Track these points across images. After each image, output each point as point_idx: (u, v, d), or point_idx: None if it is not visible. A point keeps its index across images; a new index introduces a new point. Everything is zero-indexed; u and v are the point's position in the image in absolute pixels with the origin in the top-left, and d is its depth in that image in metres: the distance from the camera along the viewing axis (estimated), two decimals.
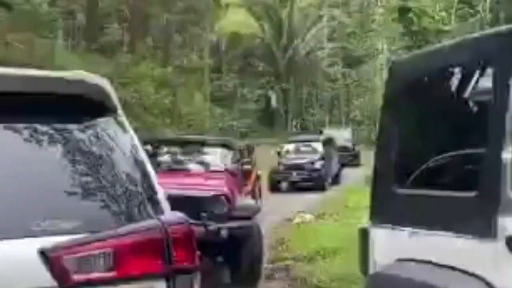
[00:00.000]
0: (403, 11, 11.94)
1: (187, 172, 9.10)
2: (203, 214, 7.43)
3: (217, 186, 8.24)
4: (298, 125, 43.10)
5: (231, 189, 8.31)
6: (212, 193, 7.86)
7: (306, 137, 26.30)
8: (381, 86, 40.19)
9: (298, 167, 21.64)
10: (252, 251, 7.74)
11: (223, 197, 7.82)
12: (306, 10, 43.55)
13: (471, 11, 28.89)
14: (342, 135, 30.66)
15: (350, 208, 14.92)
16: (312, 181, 21.24)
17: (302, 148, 23.57)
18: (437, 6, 13.91)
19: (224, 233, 7.35)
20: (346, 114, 47.37)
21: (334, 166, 23.49)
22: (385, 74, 38.01)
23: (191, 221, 7.24)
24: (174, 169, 9.07)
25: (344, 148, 28.67)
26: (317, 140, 24.00)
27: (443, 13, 13.52)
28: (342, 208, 15.16)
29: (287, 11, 41.57)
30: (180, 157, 9.67)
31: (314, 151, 22.89)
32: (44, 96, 2.46)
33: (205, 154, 9.66)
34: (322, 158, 22.26)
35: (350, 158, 28.91)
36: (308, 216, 14.30)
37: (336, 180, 23.15)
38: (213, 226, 7.35)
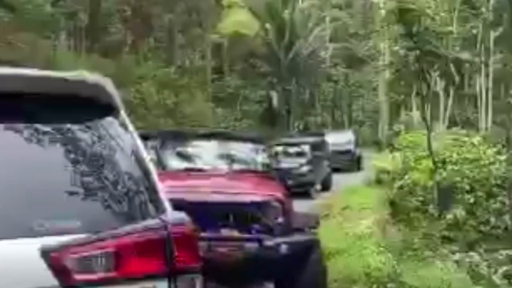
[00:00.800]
0: (403, 12, 11.97)
1: (218, 172, 7.30)
2: (255, 226, 5.97)
3: (266, 188, 6.55)
4: (300, 126, 43.01)
5: (283, 193, 6.54)
6: (262, 197, 6.15)
7: (295, 140, 24.45)
8: (383, 87, 40.22)
9: (282, 172, 19.77)
10: (316, 271, 6.17)
11: (277, 203, 6.11)
12: (308, 11, 43.50)
13: (474, 11, 28.88)
14: (343, 137, 29.39)
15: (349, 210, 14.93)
16: (296, 188, 18.81)
17: (289, 151, 21.42)
18: (438, 7, 13.89)
19: (283, 249, 5.83)
20: (348, 115, 47.36)
21: (324, 171, 21.93)
22: (387, 75, 38.08)
23: (241, 235, 5.86)
24: (202, 169, 7.31)
25: (345, 152, 27.63)
26: (306, 143, 22.16)
27: (443, 14, 13.52)
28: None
29: (289, 12, 41.51)
30: (206, 154, 7.76)
31: (302, 154, 21.07)
32: (46, 96, 2.46)
33: (234, 151, 7.85)
34: (309, 162, 20.50)
35: (351, 163, 27.76)
36: None
37: (325, 186, 21.47)
38: (270, 241, 5.86)
